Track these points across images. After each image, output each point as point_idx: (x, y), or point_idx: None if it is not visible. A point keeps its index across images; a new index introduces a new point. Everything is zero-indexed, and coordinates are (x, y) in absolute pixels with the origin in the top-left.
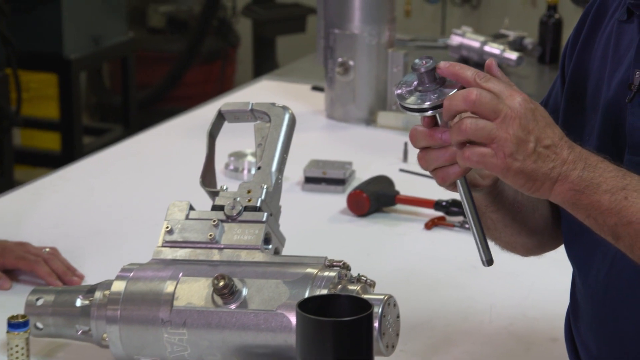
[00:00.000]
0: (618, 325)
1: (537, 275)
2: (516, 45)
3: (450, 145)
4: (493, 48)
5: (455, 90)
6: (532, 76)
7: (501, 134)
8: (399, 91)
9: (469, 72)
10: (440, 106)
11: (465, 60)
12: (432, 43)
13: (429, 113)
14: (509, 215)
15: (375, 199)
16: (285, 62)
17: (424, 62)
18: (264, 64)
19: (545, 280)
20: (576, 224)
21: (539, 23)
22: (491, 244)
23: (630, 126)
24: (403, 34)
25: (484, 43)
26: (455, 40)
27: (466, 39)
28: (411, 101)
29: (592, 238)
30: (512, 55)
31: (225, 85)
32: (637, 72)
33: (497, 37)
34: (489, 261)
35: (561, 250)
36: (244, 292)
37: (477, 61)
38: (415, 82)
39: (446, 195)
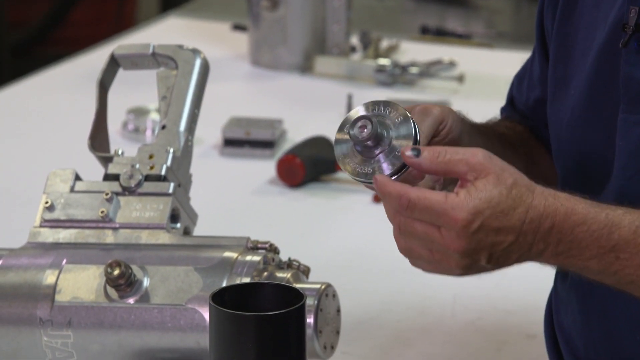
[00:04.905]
0: (608, 322)
1: None
2: None
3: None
4: None
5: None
6: (506, 10)
7: (444, 265)
8: (340, 157)
9: (391, 201)
10: (399, 172)
11: None
12: None
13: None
14: None
15: (311, 165)
16: None
17: (361, 129)
18: None
19: (521, 265)
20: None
21: None
22: None
23: (624, 76)
24: None
25: None
26: None
27: None
28: (364, 174)
29: None
30: None
31: (123, 24)
32: (633, 10)
33: None
34: None
35: None
36: (145, 282)
37: None
38: (358, 148)
39: None
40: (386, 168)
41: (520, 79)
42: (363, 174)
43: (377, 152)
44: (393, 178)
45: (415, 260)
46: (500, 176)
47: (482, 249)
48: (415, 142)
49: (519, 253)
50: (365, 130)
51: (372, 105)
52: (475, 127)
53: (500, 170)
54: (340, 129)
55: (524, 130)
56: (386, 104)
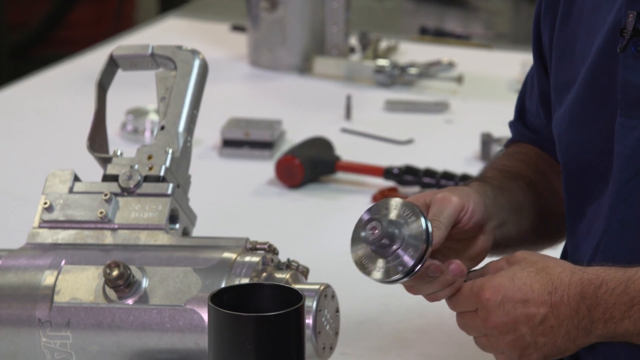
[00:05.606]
0: None
1: None
2: None
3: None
4: None
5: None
6: (505, 12)
7: (499, 348)
8: (359, 262)
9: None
10: (418, 264)
11: None
12: None
13: (408, 278)
14: (526, 245)
15: (310, 166)
16: None
17: (371, 231)
18: None
19: None
20: (579, 208)
21: None
22: None
23: (622, 81)
24: None
25: None
26: None
27: None
28: (384, 273)
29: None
30: None
31: (122, 25)
32: (631, 15)
33: None
34: None
35: None
36: (144, 283)
37: None
38: (373, 248)
39: (398, 160)
40: (408, 261)
41: (531, 88)
42: (385, 273)
43: (394, 248)
44: (416, 269)
45: (491, 351)
46: (529, 260)
47: (517, 322)
48: (427, 234)
49: (565, 328)
50: (377, 231)
51: (377, 207)
52: (498, 192)
53: (529, 255)
54: (353, 237)
55: (544, 160)
56: (395, 202)
